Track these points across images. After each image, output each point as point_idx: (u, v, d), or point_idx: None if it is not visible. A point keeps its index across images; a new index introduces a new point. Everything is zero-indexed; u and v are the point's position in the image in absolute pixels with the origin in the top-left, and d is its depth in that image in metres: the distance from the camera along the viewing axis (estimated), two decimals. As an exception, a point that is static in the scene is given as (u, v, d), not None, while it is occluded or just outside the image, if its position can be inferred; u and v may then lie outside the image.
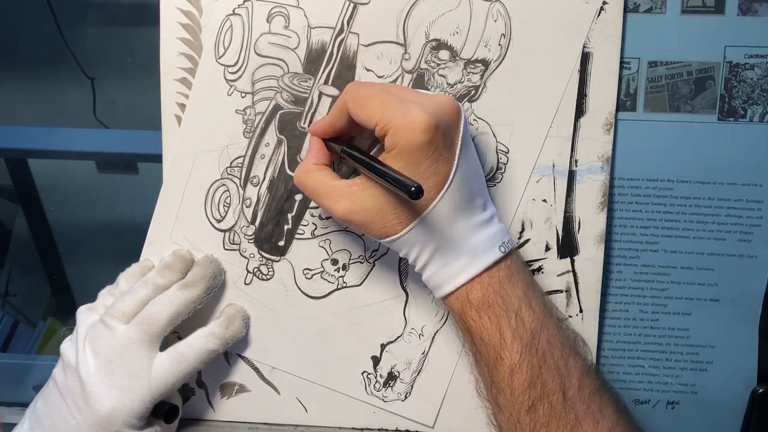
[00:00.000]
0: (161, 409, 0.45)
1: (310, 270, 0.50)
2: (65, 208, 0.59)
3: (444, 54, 0.46)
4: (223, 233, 0.49)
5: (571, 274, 0.49)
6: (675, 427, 0.51)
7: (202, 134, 0.48)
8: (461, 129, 0.40)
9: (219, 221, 0.49)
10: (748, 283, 0.49)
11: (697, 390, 0.51)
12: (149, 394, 0.43)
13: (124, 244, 0.50)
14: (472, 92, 0.47)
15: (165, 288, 0.46)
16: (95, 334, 0.44)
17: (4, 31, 0.55)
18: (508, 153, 0.47)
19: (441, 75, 0.46)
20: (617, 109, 0.47)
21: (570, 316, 0.49)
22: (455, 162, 0.40)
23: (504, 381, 0.41)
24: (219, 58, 0.47)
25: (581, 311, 0.49)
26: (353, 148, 0.43)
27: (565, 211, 0.48)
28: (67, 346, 0.45)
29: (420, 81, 0.47)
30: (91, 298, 0.47)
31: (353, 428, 0.52)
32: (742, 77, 0.47)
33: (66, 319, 0.61)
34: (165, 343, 0.46)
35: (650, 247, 0.49)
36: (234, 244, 0.49)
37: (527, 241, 0.48)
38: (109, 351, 0.43)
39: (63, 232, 0.60)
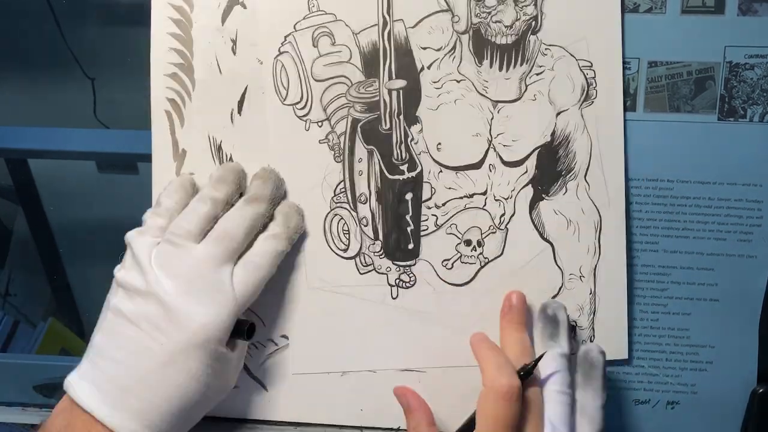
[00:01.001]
0: (242, 327, 0.44)
1: (448, 260, 0.49)
2: (65, 208, 0.59)
3: (491, 0, 0.46)
4: (353, 260, 0.49)
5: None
6: (675, 427, 0.51)
7: (299, 176, 0.48)
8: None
9: (345, 250, 0.49)
10: (748, 283, 0.49)
11: (697, 390, 0.51)
12: (235, 306, 0.42)
13: (124, 244, 0.50)
14: (533, 24, 0.46)
15: (224, 202, 0.45)
16: (165, 256, 0.42)
17: (4, 31, 0.55)
18: (592, 66, 0.47)
19: (496, 22, 0.46)
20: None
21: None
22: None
23: None
24: (284, 100, 0.47)
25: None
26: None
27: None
28: (125, 273, 0.43)
29: (478, 36, 0.46)
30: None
31: (353, 427, 0.52)
32: (742, 77, 0.47)
33: (66, 319, 0.61)
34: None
35: (650, 247, 0.49)
36: (367, 265, 0.49)
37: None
38: (188, 270, 0.42)
39: (63, 232, 0.60)
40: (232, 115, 0.48)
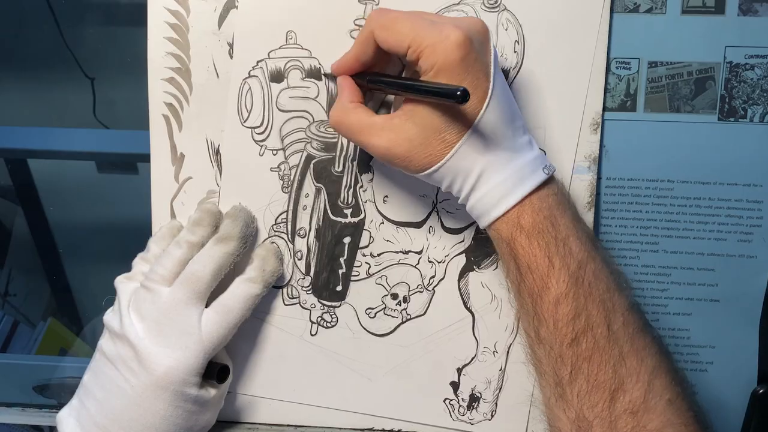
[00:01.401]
0: (213, 370, 0.45)
1: (372, 308, 0.50)
2: (65, 208, 0.59)
3: None
4: (280, 289, 0.50)
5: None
6: (675, 428, 0.51)
7: (242, 198, 0.48)
8: (491, 46, 0.40)
9: None
10: (748, 284, 0.49)
11: (697, 390, 0.51)
12: (202, 349, 0.43)
13: (124, 244, 0.50)
14: None
15: (199, 245, 0.45)
16: (139, 300, 0.44)
17: (4, 31, 0.55)
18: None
19: None
20: (604, 109, 0.47)
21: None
22: (491, 75, 0.39)
23: (548, 311, 0.40)
24: (244, 122, 0.48)
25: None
26: (382, 75, 0.42)
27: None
28: (110, 317, 0.45)
29: None
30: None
31: (353, 429, 0.52)
32: (743, 77, 0.46)
33: (66, 319, 0.61)
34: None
35: (650, 248, 0.49)
36: (293, 298, 0.50)
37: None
38: (157, 313, 0.43)
39: (63, 232, 0.60)
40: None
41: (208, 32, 0.47)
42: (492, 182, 0.41)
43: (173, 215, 0.49)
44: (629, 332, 0.40)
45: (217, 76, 0.48)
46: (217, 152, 0.49)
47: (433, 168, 0.41)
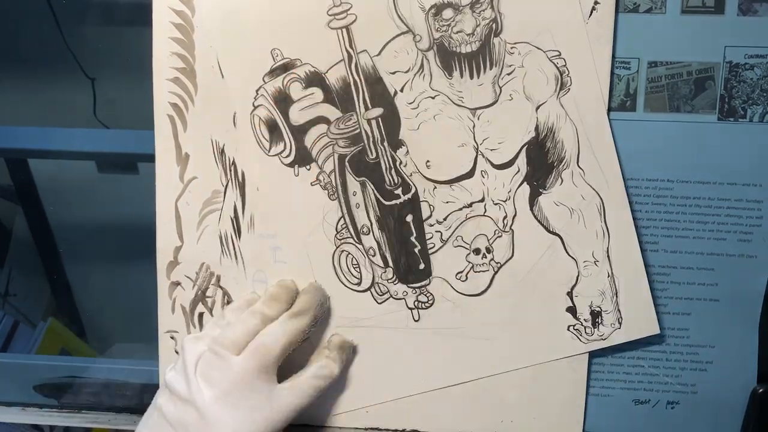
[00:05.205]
0: None
1: (461, 272, 0.49)
2: (65, 208, 0.59)
3: (447, 12, 0.46)
4: (368, 292, 0.50)
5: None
6: (675, 427, 0.51)
7: (298, 223, 0.49)
8: None
9: (358, 284, 0.49)
10: (748, 283, 0.49)
11: (697, 390, 0.51)
12: (271, 426, 0.43)
13: (124, 244, 0.50)
14: (494, 26, 0.46)
15: (273, 318, 0.46)
16: (207, 365, 0.44)
17: (4, 31, 0.55)
18: (560, 54, 0.46)
19: (457, 32, 0.46)
20: (610, 109, 0.47)
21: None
22: None
23: None
24: (268, 152, 0.48)
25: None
26: None
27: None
28: (173, 376, 0.45)
29: (442, 50, 0.46)
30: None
31: (354, 428, 0.52)
32: (742, 77, 0.47)
33: (66, 319, 0.61)
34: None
35: (650, 247, 0.49)
36: (383, 294, 0.50)
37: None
38: (226, 382, 0.43)
39: (63, 232, 0.60)
40: (234, 118, 0.48)
41: (213, 32, 0.47)
42: None
43: (178, 215, 0.49)
44: None
45: (222, 76, 0.48)
46: (222, 152, 0.49)
47: None
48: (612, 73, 0.46)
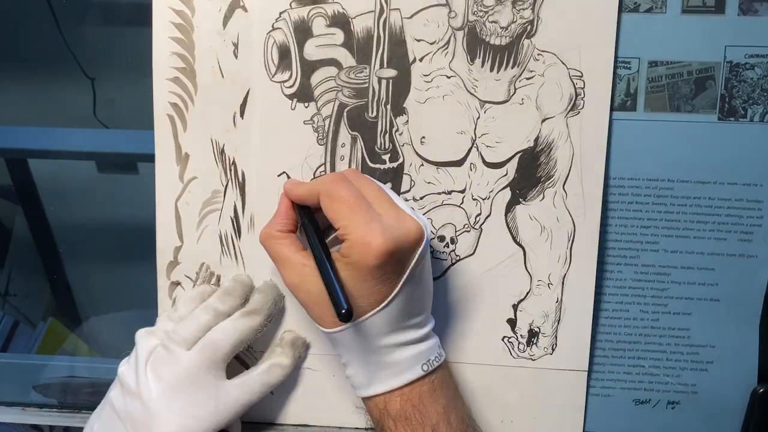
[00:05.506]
0: None
1: None
2: (65, 208, 0.59)
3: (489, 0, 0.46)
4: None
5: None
6: (675, 427, 0.51)
7: (279, 155, 0.48)
8: (416, 256, 0.40)
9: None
10: (749, 283, 0.49)
11: (697, 390, 0.51)
12: (215, 422, 0.43)
13: (124, 244, 0.50)
14: (528, 28, 0.46)
15: (226, 314, 0.46)
16: (157, 359, 0.44)
17: (4, 31, 0.55)
18: (582, 76, 0.46)
19: (492, 22, 0.46)
20: (612, 109, 0.47)
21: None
22: (397, 288, 0.40)
23: None
24: (272, 77, 0.47)
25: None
26: (314, 225, 0.42)
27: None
28: (125, 369, 0.45)
29: (472, 35, 0.46)
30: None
31: (354, 428, 0.52)
32: (743, 77, 0.47)
33: (66, 319, 0.61)
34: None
35: (650, 247, 0.49)
36: None
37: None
38: (173, 377, 0.43)
39: (63, 232, 0.59)
40: (234, 118, 0.48)
41: (213, 32, 0.47)
42: (367, 369, 0.42)
43: (178, 215, 0.49)
44: None
45: (222, 76, 0.48)
46: (222, 152, 0.49)
47: (320, 328, 0.42)
48: (614, 84, 0.46)
